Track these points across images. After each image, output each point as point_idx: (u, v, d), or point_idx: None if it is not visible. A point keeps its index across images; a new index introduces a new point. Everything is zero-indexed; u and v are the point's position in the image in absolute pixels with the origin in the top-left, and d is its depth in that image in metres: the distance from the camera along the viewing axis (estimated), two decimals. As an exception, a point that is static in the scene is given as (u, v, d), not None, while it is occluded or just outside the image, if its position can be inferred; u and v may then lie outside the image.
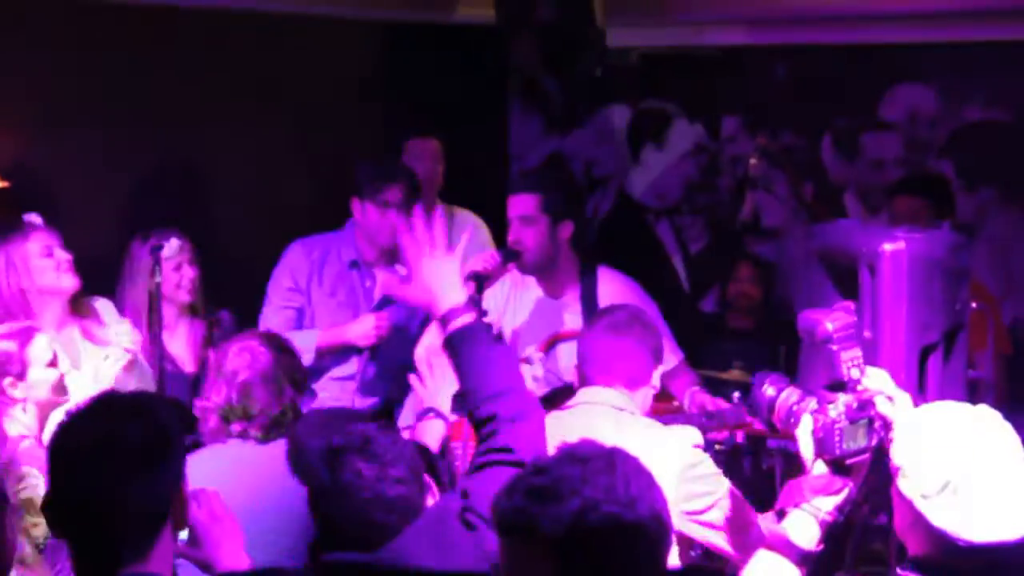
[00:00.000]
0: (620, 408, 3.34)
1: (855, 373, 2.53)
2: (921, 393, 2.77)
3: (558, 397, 3.81)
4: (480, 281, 4.19)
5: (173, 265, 4.59)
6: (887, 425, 2.53)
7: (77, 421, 2.24)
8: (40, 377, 3.70)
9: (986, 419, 2.35)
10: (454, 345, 2.72)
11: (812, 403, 2.55)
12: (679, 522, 3.17)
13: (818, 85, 6.23)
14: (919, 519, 2.32)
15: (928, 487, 2.29)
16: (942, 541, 2.26)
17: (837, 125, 5.98)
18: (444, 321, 2.74)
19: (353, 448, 2.50)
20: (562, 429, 3.21)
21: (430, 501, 2.57)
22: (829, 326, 2.53)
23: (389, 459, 2.49)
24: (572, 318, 4.32)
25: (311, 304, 4.67)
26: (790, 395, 2.60)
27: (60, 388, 3.72)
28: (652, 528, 1.97)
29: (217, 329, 4.69)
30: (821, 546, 2.56)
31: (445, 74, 6.26)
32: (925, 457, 2.31)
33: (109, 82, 5.31)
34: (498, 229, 4.67)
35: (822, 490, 2.53)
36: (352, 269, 4.73)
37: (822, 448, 2.52)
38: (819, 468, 2.56)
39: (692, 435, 3.32)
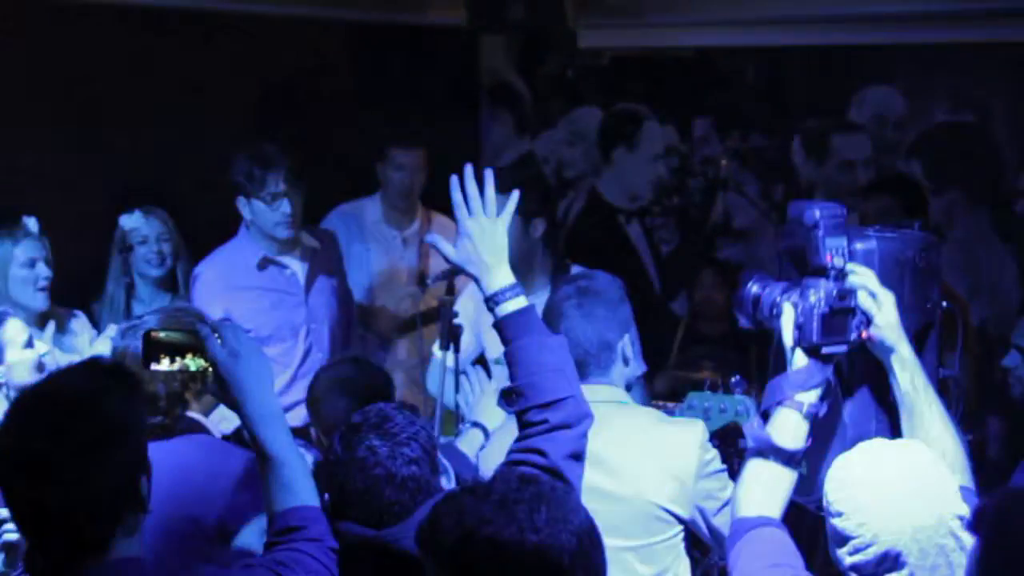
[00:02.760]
0: (622, 402, 3.30)
1: (838, 261, 2.56)
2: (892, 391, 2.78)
3: None
4: (452, 277, 4.21)
5: (138, 238, 4.62)
6: (868, 320, 2.56)
7: (20, 417, 2.21)
8: (18, 358, 3.66)
9: (921, 471, 2.32)
10: (504, 332, 2.63)
11: (795, 295, 2.58)
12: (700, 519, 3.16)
13: (788, 87, 6.27)
14: None
15: (861, 559, 2.28)
16: None
17: (807, 127, 6.02)
18: (491, 302, 2.64)
19: (369, 425, 2.54)
20: None
21: (445, 483, 2.59)
22: (817, 212, 2.57)
23: (404, 439, 2.52)
24: None
25: (242, 318, 4.43)
26: (774, 289, 2.64)
27: (40, 368, 3.65)
28: (545, 566, 1.98)
29: None
30: (809, 442, 2.56)
31: (416, 75, 6.25)
32: (857, 525, 2.28)
33: (82, 83, 5.28)
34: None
35: (802, 384, 2.54)
36: (263, 269, 4.65)
37: (800, 335, 2.54)
38: (799, 360, 2.56)
39: (702, 430, 3.24)
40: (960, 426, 2.75)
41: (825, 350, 2.56)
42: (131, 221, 4.69)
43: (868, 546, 2.26)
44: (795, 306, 2.57)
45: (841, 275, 2.58)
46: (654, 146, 5.80)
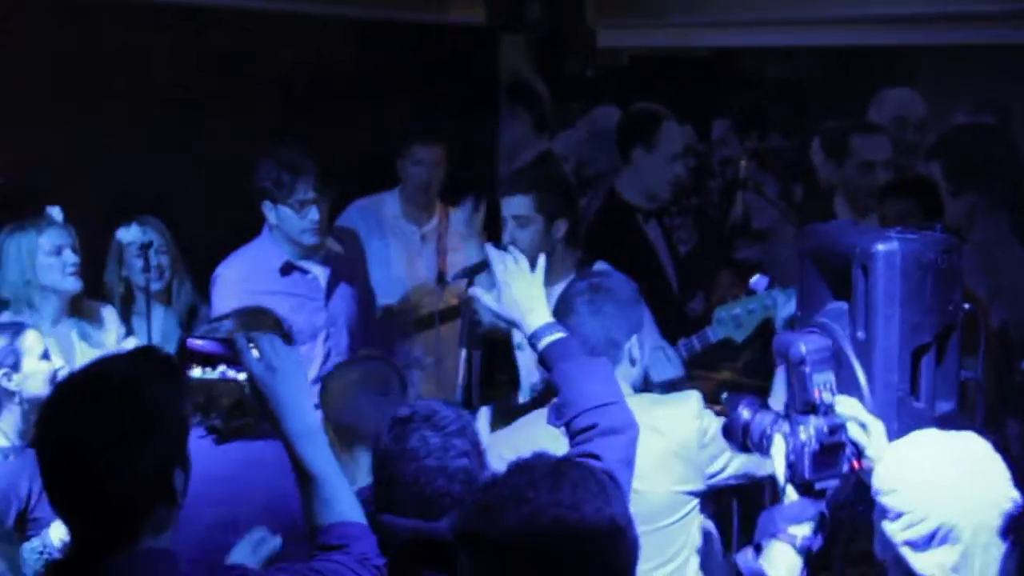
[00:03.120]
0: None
1: (827, 396, 2.54)
2: (914, 394, 2.77)
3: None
4: (471, 275, 4.23)
5: (134, 251, 4.60)
6: (859, 452, 2.55)
7: (62, 399, 2.21)
8: (34, 368, 3.70)
9: (975, 455, 2.35)
10: (549, 360, 2.81)
11: (785, 426, 2.57)
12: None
13: (807, 87, 6.26)
14: (901, 563, 2.33)
15: (915, 535, 2.30)
16: None
17: (826, 127, 6.00)
18: (534, 339, 2.85)
19: (420, 417, 2.58)
20: None
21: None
22: (803, 347, 2.54)
23: (454, 431, 2.56)
24: None
25: None
26: (764, 417, 2.62)
27: (54, 381, 3.70)
28: (604, 532, 2.00)
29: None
30: (804, 574, 2.56)
31: (435, 73, 6.26)
32: (911, 501, 2.31)
33: (88, 78, 5.30)
34: (492, 228, 4.66)
35: (795, 517, 2.54)
36: (286, 275, 4.62)
37: (793, 473, 2.54)
38: (791, 495, 2.56)
39: (696, 400, 3.31)
40: (980, 429, 2.75)
41: (818, 486, 2.55)
42: (128, 235, 4.65)
43: (921, 521, 2.29)
44: (786, 440, 2.56)
45: (830, 410, 2.56)
46: (673, 146, 5.79)
